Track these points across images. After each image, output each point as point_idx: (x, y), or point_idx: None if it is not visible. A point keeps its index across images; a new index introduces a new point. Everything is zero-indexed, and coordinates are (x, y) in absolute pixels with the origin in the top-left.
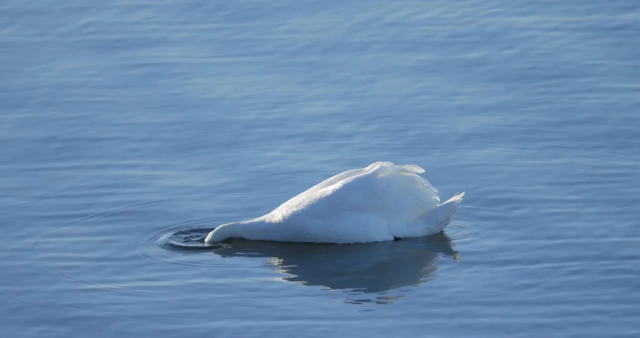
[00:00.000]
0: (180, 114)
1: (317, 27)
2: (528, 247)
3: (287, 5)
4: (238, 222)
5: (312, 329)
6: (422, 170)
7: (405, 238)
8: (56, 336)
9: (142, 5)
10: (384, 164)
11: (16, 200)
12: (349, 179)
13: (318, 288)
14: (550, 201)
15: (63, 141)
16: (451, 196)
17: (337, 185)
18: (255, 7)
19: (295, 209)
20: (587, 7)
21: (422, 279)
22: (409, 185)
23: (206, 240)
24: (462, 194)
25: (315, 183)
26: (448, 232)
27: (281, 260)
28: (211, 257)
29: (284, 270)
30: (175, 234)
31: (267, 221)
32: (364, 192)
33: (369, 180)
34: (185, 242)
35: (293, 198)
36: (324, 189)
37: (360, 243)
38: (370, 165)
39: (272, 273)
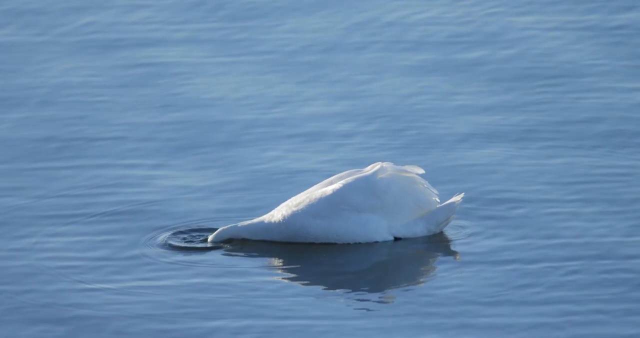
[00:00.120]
0: (179, 113)
1: (317, 27)
2: (528, 246)
3: (286, 5)
4: (237, 224)
5: (312, 329)
6: (422, 171)
7: (405, 239)
8: (55, 336)
9: (142, 5)
10: (384, 164)
11: (15, 200)
12: (349, 179)
13: (318, 288)
14: (550, 201)
15: (62, 141)
16: (450, 196)
17: (337, 185)
18: (254, 7)
19: (295, 209)
20: (586, 7)
21: (421, 279)
22: (409, 185)
23: (209, 240)
24: (462, 195)
25: (315, 183)
26: (448, 232)
27: (281, 260)
28: (210, 256)
29: (284, 270)
30: (174, 234)
31: (266, 221)
32: (364, 192)
33: (369, 180)
34: (185, 241)
35: (293, 198)
36: (324, 189)
37: (360, 243)
38: (371, 166)
39: (272, 273)
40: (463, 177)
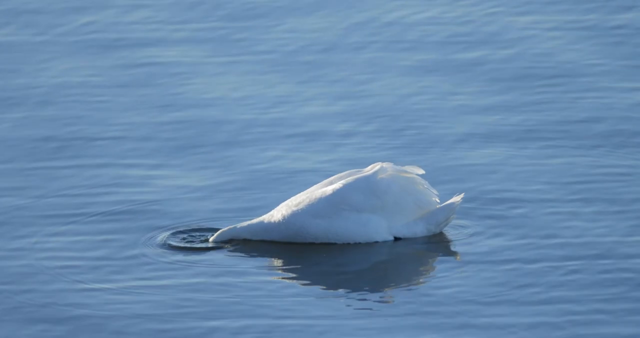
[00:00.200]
0: (179, 113)
1: (316, 27)
2: (527, 246)
3: (286, 5)
4: (236, 225)
5: (312, 329)
6: (422, 172)
7: (405, 238)
8: (55, 335)
9: (141, 5)
10: (384, 164)
11: (15, 199)
12: (349, 179)
13: (318, 288)
14: (550, 200)
15: (62, 141)
16: (450, 195)
17: (337, 185)
18: (254, 7)
19: (295, 209)
20: (586, 6)
21: (421, 279)
22: (409, 185)
23: (210, 240)
24: (462, 195)
25: (314, 183)
26: (448, 231)
27: (281, 260)
28: (210, 256)
29: (284, 270)
30: (174, 234)
31: (266, 221)
32: (364, 192)
33: (369, 180)
34: (184, 241)
35: (292, 198)
36: (324, 189)
37: (360, 243)
38: (371, 166)
39: (272, 273)
40: (463, 176)
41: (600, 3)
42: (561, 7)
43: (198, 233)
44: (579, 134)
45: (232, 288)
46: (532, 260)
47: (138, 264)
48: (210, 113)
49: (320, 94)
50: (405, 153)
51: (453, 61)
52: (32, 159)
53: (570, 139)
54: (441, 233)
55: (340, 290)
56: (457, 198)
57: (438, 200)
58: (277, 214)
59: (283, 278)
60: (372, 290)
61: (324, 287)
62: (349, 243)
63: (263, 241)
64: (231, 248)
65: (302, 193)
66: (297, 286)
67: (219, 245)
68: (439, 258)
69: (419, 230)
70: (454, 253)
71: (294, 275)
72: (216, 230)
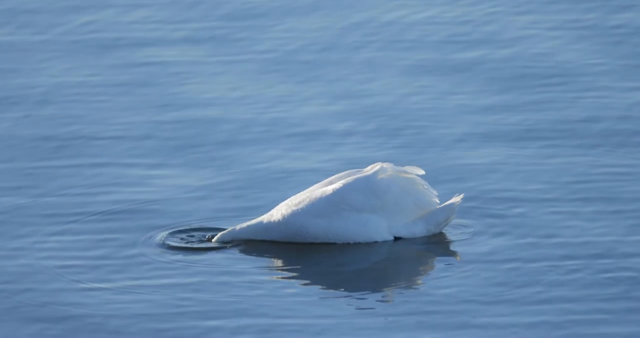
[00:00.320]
0: (178, 113)
1: (315, 27)
2: (527, 246)
3: (284, 5)
4: (235, 227)
5: (312, 328)
6: (422, 172)
7: (405, 239)
8: (54, 335)
9: (140, 4)
10: (384, 164)
11: (14, 199)
12: (349, 179)
13: (318, 288)
14: (549, 200)
15: (61, 140)
16: (450, 195)
17: (337, 185)
18: (253, 7)
19: (295, 208)
20: (585, 6)
21: (421, 278)
22: (409, 186)
23: (213, 240)
24: (462, 196)
25: (314, 183)
26: (448, 231)
27: (281, 260)
28: (209, 256)
29: (283, 270)
30: (173, 233)
31: (265, 221)
32: (364, 192)
33: (369, 180)
34: (184, 241)
35: (292, 198)
36: (324, 188)
37: (360, 243)
38: (371, 166)
39: (271, 273)
40: (462, 176)
41: (600, 3)
42: (561, 7)
43: (197, 233)
44: (578, 133)
45: (231, 288)
46: (532, 259)
47: (137, 264)
48: (209, 112)
49: (320, 93)
50: (404, 153)
51: (452, 61)
52: (31, 158)
53: (570, 138)
54: (441, 233)
55: (340, 290)
56: (457, 199)
57: (438, 201)
58: (276, 214)
59: (283, 278)
60: (372, 290)
61: (324, 287)
62: (349, 243)
63: (263, 241)
64: (230, 248)
65: (301, 193)
66: (297, 286)
67: (218, 245)
68: (439, 258)
69: (419, 230)
70: (454, 253)
71: (293, 275)
72: (215, 229)
